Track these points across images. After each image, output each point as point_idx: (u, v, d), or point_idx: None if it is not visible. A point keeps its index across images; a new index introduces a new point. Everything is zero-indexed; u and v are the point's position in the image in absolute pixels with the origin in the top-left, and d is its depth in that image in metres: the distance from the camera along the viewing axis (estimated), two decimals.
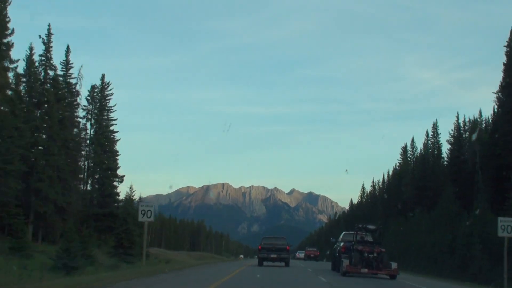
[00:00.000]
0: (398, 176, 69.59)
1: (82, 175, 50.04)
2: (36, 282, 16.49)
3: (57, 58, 48.72)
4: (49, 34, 41.40)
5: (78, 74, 48.35)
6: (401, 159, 72.54)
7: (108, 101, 53.94)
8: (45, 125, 39.02)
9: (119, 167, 52.98)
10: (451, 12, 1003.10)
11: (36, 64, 40.43)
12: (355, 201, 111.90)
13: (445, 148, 57.89)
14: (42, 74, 41.02)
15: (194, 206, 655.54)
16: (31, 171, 36.23)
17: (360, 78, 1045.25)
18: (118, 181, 52.53)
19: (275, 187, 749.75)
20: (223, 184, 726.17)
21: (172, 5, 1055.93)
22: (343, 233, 34.56)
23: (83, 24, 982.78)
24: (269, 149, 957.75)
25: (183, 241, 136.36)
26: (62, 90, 43.81)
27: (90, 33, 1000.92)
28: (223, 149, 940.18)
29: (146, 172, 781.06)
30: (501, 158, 37.14)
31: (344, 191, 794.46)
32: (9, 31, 33.38)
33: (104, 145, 52.20)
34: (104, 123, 53.06)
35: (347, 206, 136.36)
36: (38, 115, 39.66)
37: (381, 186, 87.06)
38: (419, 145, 68.36)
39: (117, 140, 54.04)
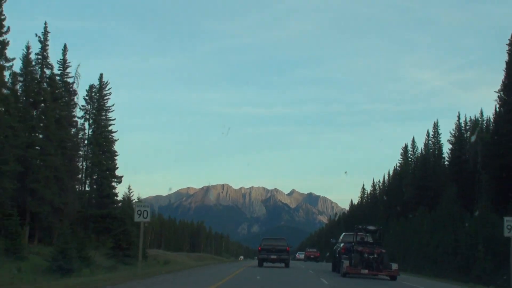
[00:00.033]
0: (399, 176, 69.32)
1: (80, 176, 49.57)
2: (27, 284, 16.01)
3: (54, 58, 48.31)
4: (45, 33, 40.90)
5: (76, 73, 47.92)
6: (401, 159, 72.28)
7: (106, 101, 53.62)
8: (41, 124, 38.53)
9: (117, 168, 52.79)
10: (451, 12, 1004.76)
11: (33, 63, 39.91)
12: (355, 201, 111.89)
13: (446, 148, 57.74)
14: (39, 73, 40.44)
15: (194, 207, 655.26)
16: (27, 171, 35.72)
17: (360, 79, 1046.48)
18: (116, 182, 52.25)
19: (275, 188, 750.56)
20: (223, 185, 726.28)
21: (172, 5, 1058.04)
22: (343, 234, 34.32)
23: (83, 24, 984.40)
24: (269, 149, 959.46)
25: (183, 242, 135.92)
26: (59, 89, 43.40)
27: (90, 33, 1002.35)
28: (223, 150, 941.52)
29: (146, 173, 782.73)
30: (504, 157, 36.77)
31: (344, 192, 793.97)
32: (5, 29, 32.93)
33: (102, 145, 51.84)
34: (102, 123, 52.70)
35: (347, 207, 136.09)
36: (35, 114, 39.14)
37: (381, 187, 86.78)
38: (420, 145, 68.22)
39: (116, 140, 53.84)
